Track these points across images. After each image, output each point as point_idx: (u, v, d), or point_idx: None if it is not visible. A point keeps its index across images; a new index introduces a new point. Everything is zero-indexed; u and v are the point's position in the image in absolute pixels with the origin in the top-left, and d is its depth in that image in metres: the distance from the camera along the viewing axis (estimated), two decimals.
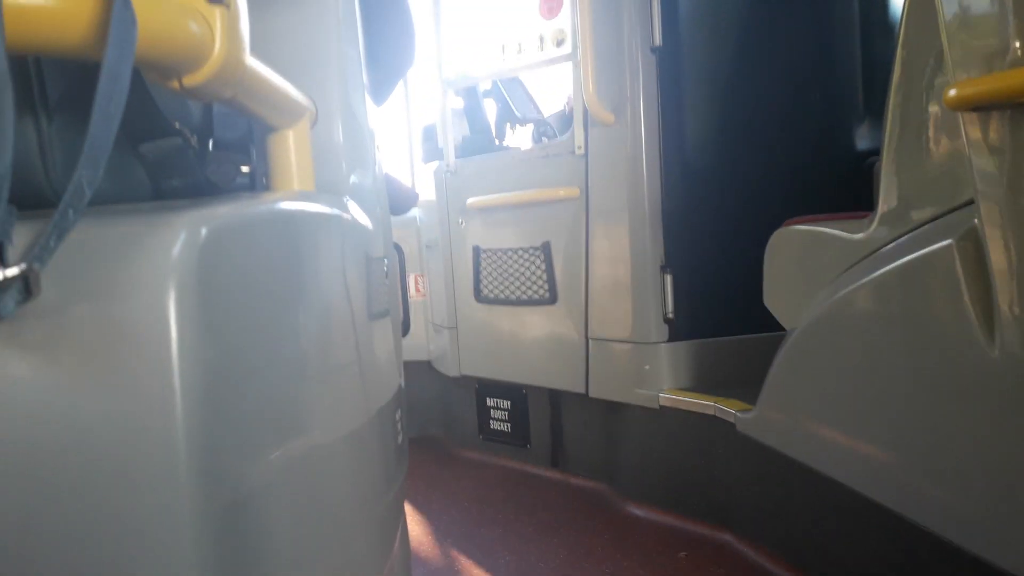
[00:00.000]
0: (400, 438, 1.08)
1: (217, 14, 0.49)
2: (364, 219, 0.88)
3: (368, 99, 1.08)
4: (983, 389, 1.28)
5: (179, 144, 0.63)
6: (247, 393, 0.50)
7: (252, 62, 0.56)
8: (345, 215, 0.79)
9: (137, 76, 0.59)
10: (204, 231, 0.45)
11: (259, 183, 0.75)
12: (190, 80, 0.50)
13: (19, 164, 0.46)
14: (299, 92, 0.72)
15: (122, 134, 0.62)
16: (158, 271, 0.42)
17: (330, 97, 0.87)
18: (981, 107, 1.18)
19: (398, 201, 1.30)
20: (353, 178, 0.91)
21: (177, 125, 0.62)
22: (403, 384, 1.16)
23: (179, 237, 0.43)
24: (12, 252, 0.43)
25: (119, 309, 0.42)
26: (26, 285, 0.42)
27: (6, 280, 0.41)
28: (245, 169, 0.73)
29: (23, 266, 0.42)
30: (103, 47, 0.41)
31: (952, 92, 1.19)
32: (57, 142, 0.55)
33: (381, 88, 1.24)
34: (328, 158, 0.83)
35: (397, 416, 1.06)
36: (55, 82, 0.57)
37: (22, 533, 0.41)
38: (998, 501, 1.27)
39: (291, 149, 0.71)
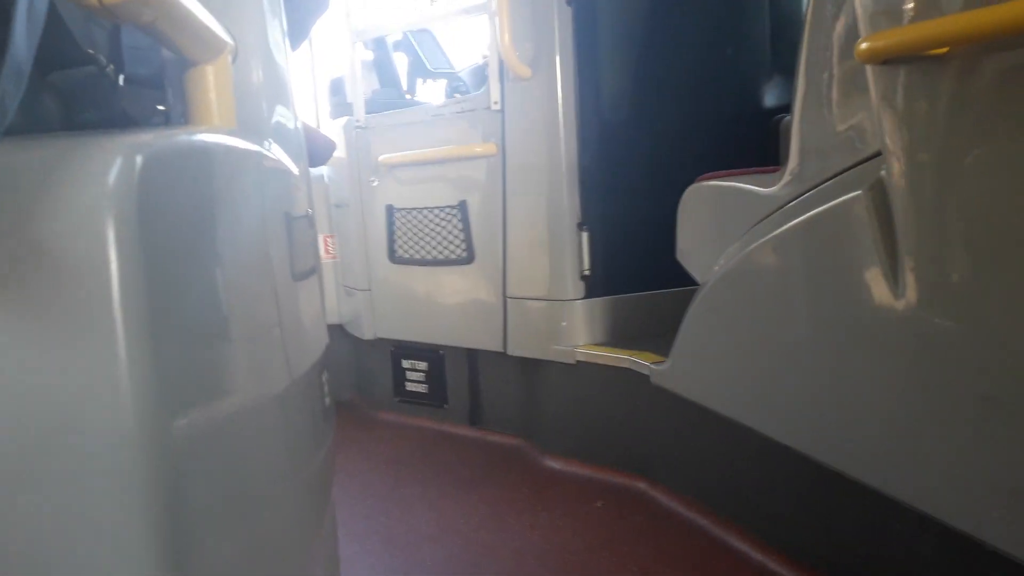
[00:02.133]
0: (327, 400, 1.04)
1: None
2: (290, 165, 0.83)
3: (287, 43, 1.01)
4: (888, 335, 1.35)
5: (93, 74, 0.57)
6: (182, 335, 0.47)
7: None
8: (272, 157, 0.74)
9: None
10: (140, 158, 0.41)
11: (175, 122, 0.69)
12: None
13: None
14: (220, 25, 0.66)
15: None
16: (94, 199, 0.38)
17: (248, 34, 0.81)
18: (890, 60, 1.22)
19: (315, 152, 1.24)
20: (275, 121, 0.85)
21: (91, 53, 0.56)
22: (328, 344, 1.12)
23: (115, 163, 0.39)
24: None
25: (48, 240, 0.37)
26: None
27: None
28: (161, 107, 0.68)
29: None
30: None
31: (863, 45, 1.23)
32: None
33: (296, 31, 1.18)
34: (247, 99, 0.78)
35: (324, 378, 1.02)
36: None
37: None
38: (900, 441, 1.35)
39: (211, 85, 0.65)
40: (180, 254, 0.47)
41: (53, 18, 0.51)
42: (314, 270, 0.95)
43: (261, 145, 0.76)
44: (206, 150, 0.55)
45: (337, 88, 3.15)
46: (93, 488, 0.41)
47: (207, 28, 0.62)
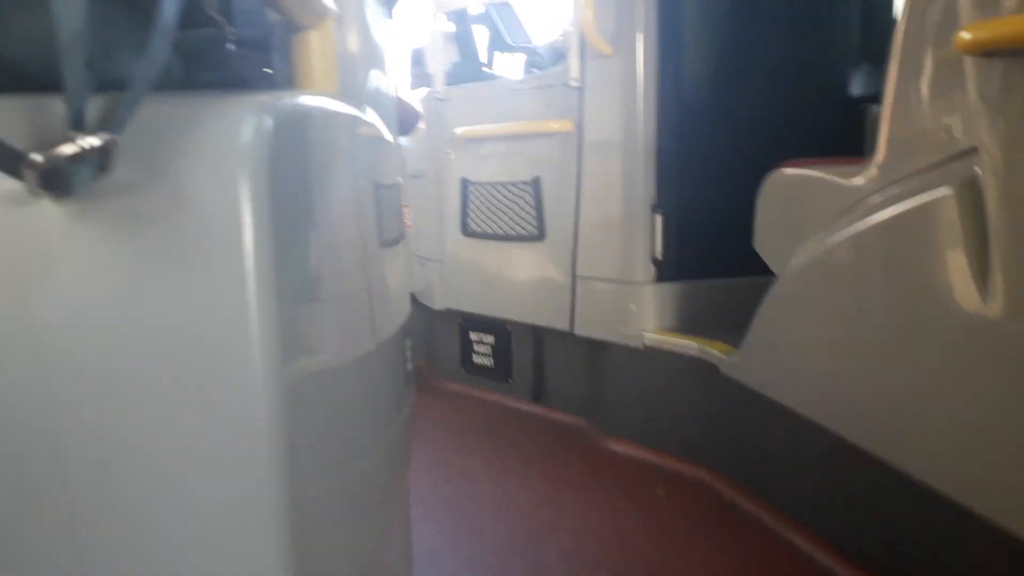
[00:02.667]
0: (409, 365, 1.07)
1: None
2: (386, 133, 0.86)
3: (384, 11, 1.03)
4: (973, 341, 1.29)
5: (212, 36, 0.60)
6: (298, 291, 0.51)
7: None
8: (370, 123, 0.77)
9: None
10: (271, 119, 0.46)
11: (280, 86, 0.72)
12: None
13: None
14: None
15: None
16: (229, 154, 0.42)
17: (349, 2, 0.83)
18: (991, 52, 1.15)
19: (402, 121, 1.25)
20: (371, 88, 0.87)
21: (212, 15, 0.59)
22: (410, 311, 1.15)
23: (250, 121, 0.43)
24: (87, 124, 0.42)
25: (191, 192, 0.42)
26: (103, 157, 0.41)
27: (87, 150, 0.40)
28: (268, 71, 0.70)
29: (104, 136, 0.41)
30: None
31: (965, 35, 1.16)
32: (97, 20, 0.53)
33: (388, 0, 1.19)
34: (346, 64, 0.80)
35: (407, 343, 1.05)
36: None
37: (84, 408, 0.42)
38: (980, 451, 1.30)
39: (314, 51, 0.68)
40: (298, 213, 0.50)
41: None
42: (401, 238, 0.98)
43: (363, 111, 0.79)
44: (321, 114, 0.59)
45: (418, 59, 3.17)
46: (217, 419, 0.46)
47: None
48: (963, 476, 1.33)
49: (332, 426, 0.67)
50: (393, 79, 1.07)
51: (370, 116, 0.82)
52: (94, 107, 0.44)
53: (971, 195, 1.28)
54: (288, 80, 0.71)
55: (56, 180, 0.42)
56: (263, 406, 0.47)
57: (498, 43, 3.21)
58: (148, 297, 0.44)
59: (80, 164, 0.42)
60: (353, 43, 0.84)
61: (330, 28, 0.69)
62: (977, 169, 1.25)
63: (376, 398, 0.85)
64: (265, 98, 0.50)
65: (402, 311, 1.01)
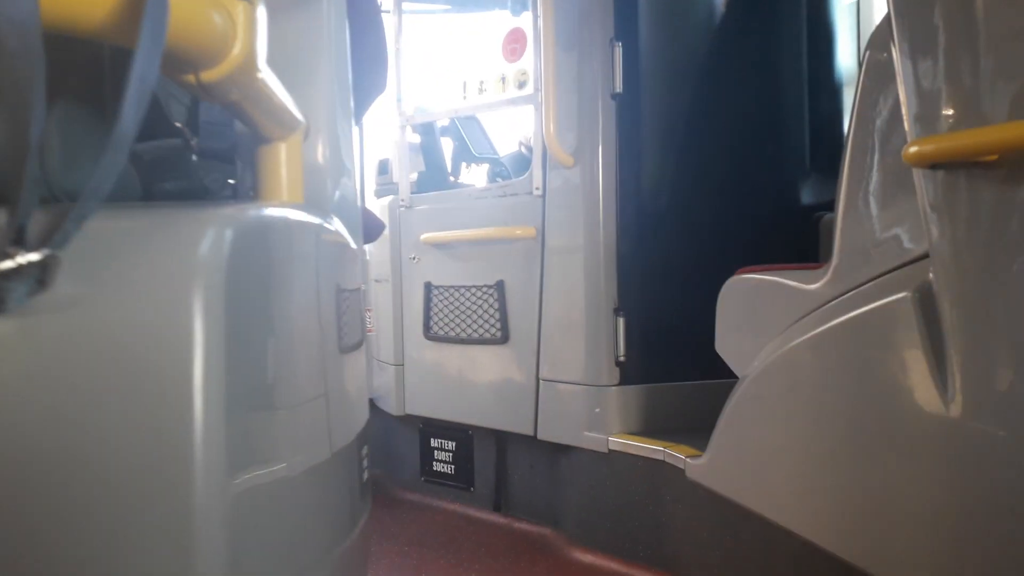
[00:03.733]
0: (365, 475, 1.03)
1: (240, 9, 0.47)
2: (350, 241, 0.85)
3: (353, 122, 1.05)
4: (934, 443, 1.31)
5: (177, 147, 0.59)
6: (253, 402, 0.48)
7: (265, 69, 0.54)
8: (334, 231, 0.76)
9: None
10: (230, 231, 0.43)
11: (244, 196, 0.72)
12: (208, 75, 0.47)
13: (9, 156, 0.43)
14: (294, 104, 0.69)
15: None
16: (184, 268, 0.40)
17: (318, 113, 0.84)
18: (938, 165, 1.23)
19: (368, 229, 1.27)
20: (337, 197, 0.88)
21: (179, 126, 0.59)
22: (369, 419, 1.12)
23: (207, 235, 0.41)
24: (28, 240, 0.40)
25: (141, 306, 0.39)
26: (43, 273, 0.39)
27: (24, 266, 0.38)
28: (231, 181, 0.70)
29: (44, 252, 0.39)
30: (135, 30, 0.39)
31: (912, 149, 1.24)
32: (55, 135, 0.52)
33: (357, 109, 1.22)
34: (314, 175, 0.81)
35: (363, 452, 1.02)
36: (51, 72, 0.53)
37: (26, 531, 0.38)
38: (943, 554, 1.29)
39: (283, 162, 0.68)
40: (255, 324, 0.48)
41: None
42: (361, 343, 0.96)
43: (329, 220, 0.79)
44: (283, 224, 0.57)
45: (384, 168, 3.25)
46: (159, 538, 0.42)
47: (285, 108, 0.65)
48: None
49: (281, 539, 0.64)
50: (357, 188, 1.09)
51: (335, 225, 0.83)
52: (41, 220, 0.43)
53: (926, 299, 1.33)
54: (251, 190, 0.71)
55: None
56: (205, 523, 0.44)
57: (464, 154, 3.31)
58: (88, 412, 0.42)
59: (16, 280, 0.40)
60: (321, 154, 0.85)
61: (299, 140, 0.70)
62: (931, 274, 1.31)
63: (329, 509, 0.82)
64: (225, 210, 0.49)
65: (360, 418, 0.99)
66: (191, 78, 0.47)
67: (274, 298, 0.53)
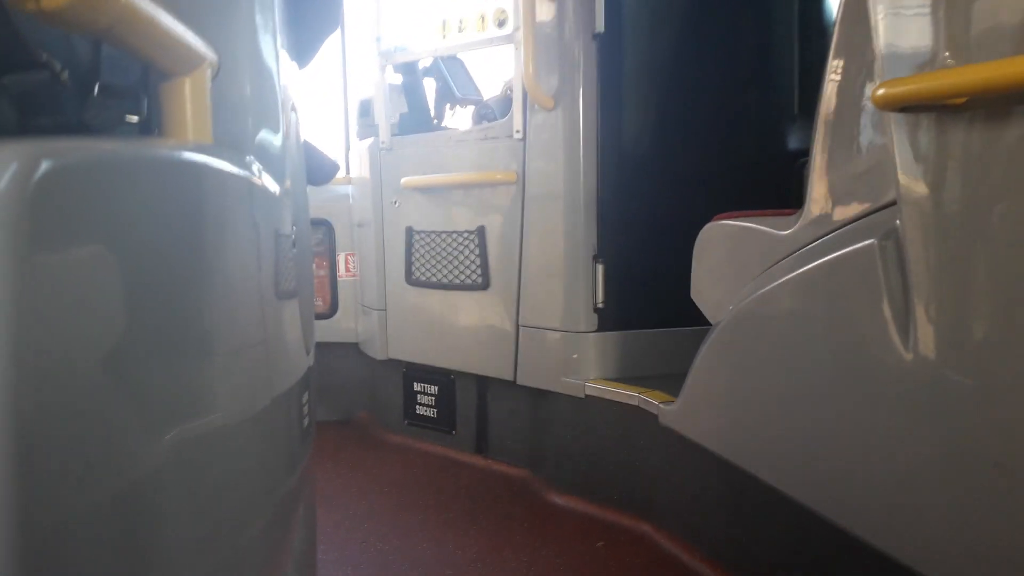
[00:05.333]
0: (306, 421, 1.03)
1: None
2: (271, 184, 0.82)
3: (286, 59, 1.01)
4: (897, 389, 1.30)
5: (47, 79, 0.56)
6: (107, 369, 0.45)
7: None
8: (247, 174, 0.73)
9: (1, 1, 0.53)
10: (46, 165, 0.39)
11: (150, 134, 0.69)
12: (49, 2, 0.44)
13: None
14: (199, 38, 0.66)
15: None
16: None
17: (237, 49, 0.80)
18: (908, 107, 1.19)
19: (317, 171, 1.23)
20: (259, 138, 0.84)
21: (46, 58, 0.55)
22: (312, 365, 1.10)
23: (8, 169, 0.37)
24: None
25: None
26: None
27: None
28: (133, 118, 0.67)
29: None
30: None
31: (880, 91, 1.20)
32: None
33: (304, 49, 1.18)
34: (231, 114, 0.77)
35: (304, 399, 1.01)
36: None
37: None
38: (904, 501, 1.30)
39: (186, 98, 0.65)
40: (107, 280, 0.45)
41: (3, 21, 0.50)
42: (294, 292, 0.94)
43: (241, 161, 0.76)
44: (149, 162, 0.54)
45: (366, 109, 3.18)
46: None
47: (178, 40, 0.61)
48: (893, 528, 1.32)
49: (216, 485, 0.63)
50: (299, 130, 1.05)
51: (254, 166, 0.79)
52: None
53: (893, 246, 1.30)
54: (157, 130, 0.67)
55: None
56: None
57: (447, 95, 3.24)
58: None
59: None
60: (239, 91, 0.81)
61: (205, 76, 0.66)
62: (898, 221, 1.28)
63: (266, 455, 0.80)
64: (54, 143, 0.43)
65: (299, 365, 0.97)
66: (31, 5, 0.44)
67: (144, 248, 0.50)
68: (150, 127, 0.70)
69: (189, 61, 0.64)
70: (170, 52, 0.60)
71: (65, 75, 0.56)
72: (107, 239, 0.45)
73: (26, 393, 0.37)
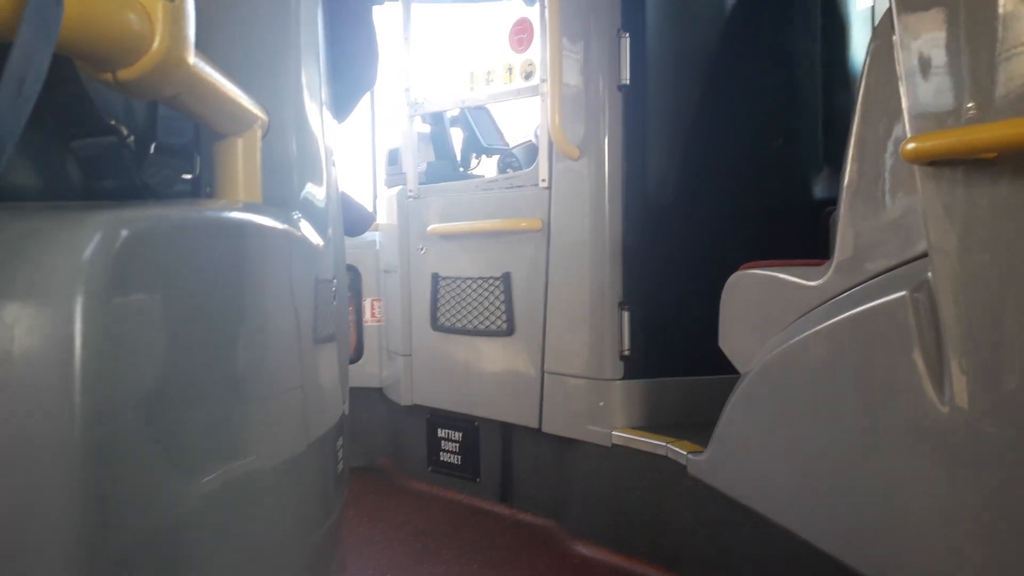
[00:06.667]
0: (340, 466, 1.03)
1: (159, 7, 0.46)
2: (314, 237, 0.85)
3: (328, 115, 1.05)
4: (932, 442, 1.28)
5: (114, 143, 0.59)
6: (163, 414, 0.46)
7: (197, 62, 0.53)
8: (293, 230, 0.75)
9: (74, 69, 0.56)
10: (124, 233, 0.41)
11: (203, 192, 0.71)
12: (125, 74, 0.46)
13: None
14: (250, 99, 0.69)
15: (53, 129, 0.58)
16: (66, 272, 0.38)
17: (285, 108, 0.83)
18: (937, 162, 1.20)
19: (354, 222, 1.26)
20: (304, 193, 0.87)
21: (112, 122, 0.58)
22: (347, 411, 1.11)
23: (93, 237, 0.39)
24: None
25: (19, 311, 0.37)
26: None
27: None
28: (187, 176, 0.70)
29: None
30: (15, 26, 0.38)
31: (910, 146, 1.21)
32: None
33: (343, 105, 1.22)
34: (279, 171, 0.80)
35: (338, 444, 1.01)
36: None
37: None
38: (943, 557, 1.27)
39: (238, 158, 0.67)
40: (169, 332, 0.47)
41: (75, 87, 0.53)
42: (333, 337, 0.96)
43: (288, 217, 0.78)
44: (208, 223, 0.56)
45: (394, 158, 3.24)
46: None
47: (235, 101, 0.64)
48: None
49: (250, 532, 0.63)
50: (336, 181, 1.08)
51: (299, 222, 0.81)
52: None
53: (925, 298, 1.30)
54: (209, 188, 0.70)
55: None
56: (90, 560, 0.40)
57: (473, 145, 3.30)
58: None
59: None
60: (288, 149, 0.84)
61: (256, 136, 0.68)
62: (929, 273, 1.28)
63: (302, 501, 0.81)
64: (127, 211, 0.45)
65: (334, 410, 0.98)
66: (108, 77, 0.47)
67: (199, 301, 0.52)
68: (201, 183, 0.72)
69: (242, 121, 0.67)
70: (226, 113, 0.63)
71: (131, 140, 0.59)
72: (172, 296, 0.47)
73: (90, 436, 0.38)
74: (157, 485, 0.47)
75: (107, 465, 0.40)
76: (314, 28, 0.91)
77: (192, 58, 0.50)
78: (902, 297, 1.33)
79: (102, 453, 0.39)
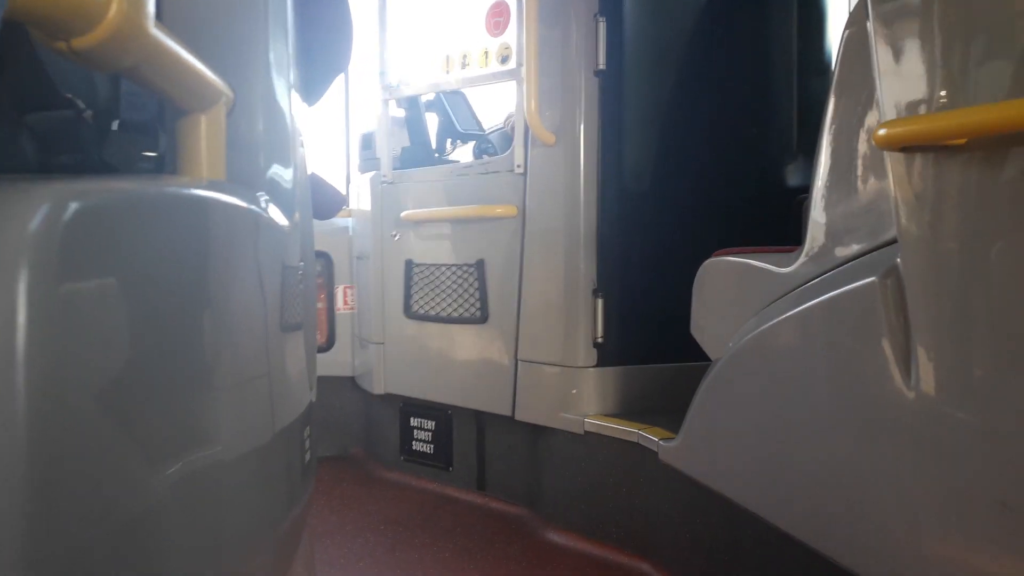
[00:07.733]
0: (308, 456, 1.02)
1: None
2: (280, 219, 0.83)
3: (297, 96, 1.03)
4: (899, 426, 1.29)
5: (71, 117, 0.56)
6: (117, 404, 0.45)
7: (158, 32, 0.51)
8: (258, 211, 0.73)
9: (28, 40, 0.53)
10: (75, 205, 0.39)
11: (167, 170, 0.69)
12: (80, 42, 0.44)
13: None
14: (216, 75, 0.66)
15: (5, 100, 0.56)
16: (8, 247, 0.36)
17: (251, 85, 0.81)
18: (908, 148, 1.20)
19: (323, 204, 1.24)
20: (271, 174, 0.85)
21: (70, 96, 0.56)
22: (315, 400, 1.10)
23: (40, 209, 0.37)
24: None
25: None
26: None
27: None
28: (151, 154, 0.67)
29: None
30: None
31: (881, 131, 1.21)
32: None
33: (314, 87, 1.19)
34: (244, 150, 0.78)
35: (305, 433, 1.00)
36: None
37: None
38: (909, 541, 1.28)
39: (202, 135, 0.65)
40: (124, 313, 0.45)
41: (31, 60, 0.51)
42: (300, 323, 0.94)
43: (253, 198, 0.76)
44: (167, 200, 0.54)
45: (368, 142, 3.20)
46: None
47: (198, 77, 0.62)
48: (896, 565, 1.30)
49: (214, 521, 0.62)
50: (305, 163, 1.06)
51: (264, 202, 0.79)
52: None
53: (894, 284, 1.30)
54: (173, 166, 0.68)
55: None
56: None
57: (449, 130, 3.27)
58: None
59: None
60: (254, 127, 0.82)
61: (221, 112, 0.66)
62: (898, 259, 1.29)
63: (266, 491, 0.79)
64: (79, 184, 0.44)
65: (301, 399, 0.97)
66: (62, 45, 0.44)
67: (158, 281, 0.50)
68: (165, 162, 0.70)
69: (206, 97, 0.64)
70: (189, 89, 0.61)
71: (88, 113, 0.56)
72: (127, 275, 0.45)
73: (37, 423, 0.37)
74: (113, 477, 0.45)
75: (56, 460, 0.38)
76: (283, 5, 0.89)
77: (152, 27, 0.48)
78: (871, 283, 1.34)
79: (50, 447, 0.38)
